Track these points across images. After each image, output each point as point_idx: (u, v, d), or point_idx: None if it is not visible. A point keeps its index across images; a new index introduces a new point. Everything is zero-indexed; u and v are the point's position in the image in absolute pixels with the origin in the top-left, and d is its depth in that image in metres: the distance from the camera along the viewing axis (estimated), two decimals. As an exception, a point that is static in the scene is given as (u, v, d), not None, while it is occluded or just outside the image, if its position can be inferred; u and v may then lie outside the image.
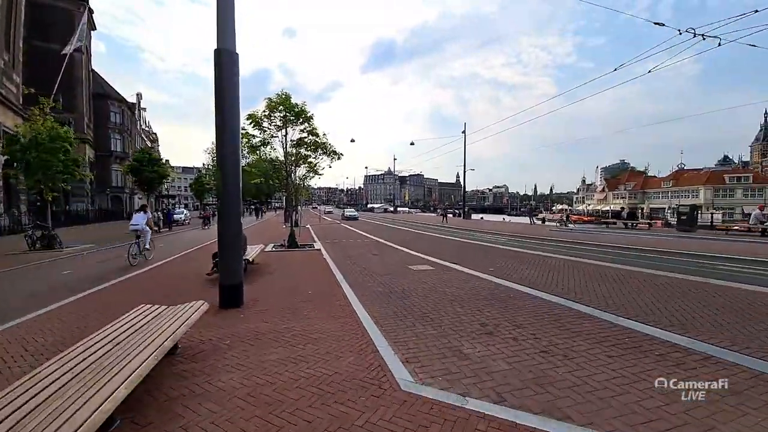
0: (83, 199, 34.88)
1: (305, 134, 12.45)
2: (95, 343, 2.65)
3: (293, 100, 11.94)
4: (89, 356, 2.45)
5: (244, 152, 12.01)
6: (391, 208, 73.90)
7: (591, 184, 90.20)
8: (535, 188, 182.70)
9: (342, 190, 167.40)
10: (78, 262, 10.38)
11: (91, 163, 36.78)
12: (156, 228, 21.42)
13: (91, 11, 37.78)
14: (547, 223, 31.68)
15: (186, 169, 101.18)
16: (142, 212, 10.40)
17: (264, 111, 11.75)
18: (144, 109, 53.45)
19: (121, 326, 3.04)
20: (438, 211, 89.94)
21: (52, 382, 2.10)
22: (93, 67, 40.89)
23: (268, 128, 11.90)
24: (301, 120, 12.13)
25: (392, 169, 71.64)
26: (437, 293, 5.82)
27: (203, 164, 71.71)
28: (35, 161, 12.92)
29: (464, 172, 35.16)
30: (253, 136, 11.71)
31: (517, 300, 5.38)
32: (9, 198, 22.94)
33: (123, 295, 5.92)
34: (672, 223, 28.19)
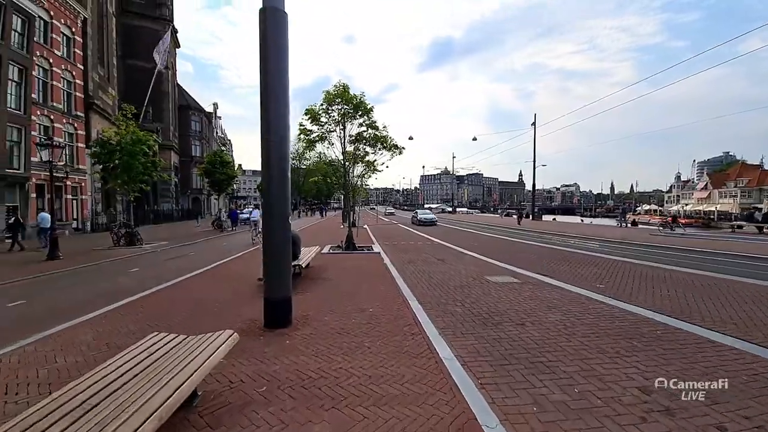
0: (169, 199, 38.84)
1: (364, 128, 11.53)
2: (65, 403, 1.75)
3: (352, 92, 11.10)
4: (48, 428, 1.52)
5: (299, 148, 11.50)
6: (449, 209, 71.04)
7: (687, 181, 77.43)
8: (612, 186, 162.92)
9: (398, 191, 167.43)
10: (148, 260, 10.65)
11: (175, 167, 40.93)
12: (225, 227, 22.55)
13: (175, 31, 42.01)
14: (640, 226, 27.08)
15: (256, 173, 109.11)
16: (257, 209, 15.50)
17: (322, 104, 11.07)
18: (219, 118, 58.29)
19: (117, 368, 2.14)
20: (499, 211, 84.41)
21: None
22: (178, 82, 45.51)
23: (327, 123, 11.18)
24: (360, 113, 11.22)
25: (450, 168, 68.93)
26: (540, 321, 4.28)
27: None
28: (120, 163, 13.90)
29: (534, 168, 31.78)
30: (311, 131, 11.08)
31: (677, 341, 3.62)
32: (108, 198, 26.04)
33: (171, 299, 5.41)
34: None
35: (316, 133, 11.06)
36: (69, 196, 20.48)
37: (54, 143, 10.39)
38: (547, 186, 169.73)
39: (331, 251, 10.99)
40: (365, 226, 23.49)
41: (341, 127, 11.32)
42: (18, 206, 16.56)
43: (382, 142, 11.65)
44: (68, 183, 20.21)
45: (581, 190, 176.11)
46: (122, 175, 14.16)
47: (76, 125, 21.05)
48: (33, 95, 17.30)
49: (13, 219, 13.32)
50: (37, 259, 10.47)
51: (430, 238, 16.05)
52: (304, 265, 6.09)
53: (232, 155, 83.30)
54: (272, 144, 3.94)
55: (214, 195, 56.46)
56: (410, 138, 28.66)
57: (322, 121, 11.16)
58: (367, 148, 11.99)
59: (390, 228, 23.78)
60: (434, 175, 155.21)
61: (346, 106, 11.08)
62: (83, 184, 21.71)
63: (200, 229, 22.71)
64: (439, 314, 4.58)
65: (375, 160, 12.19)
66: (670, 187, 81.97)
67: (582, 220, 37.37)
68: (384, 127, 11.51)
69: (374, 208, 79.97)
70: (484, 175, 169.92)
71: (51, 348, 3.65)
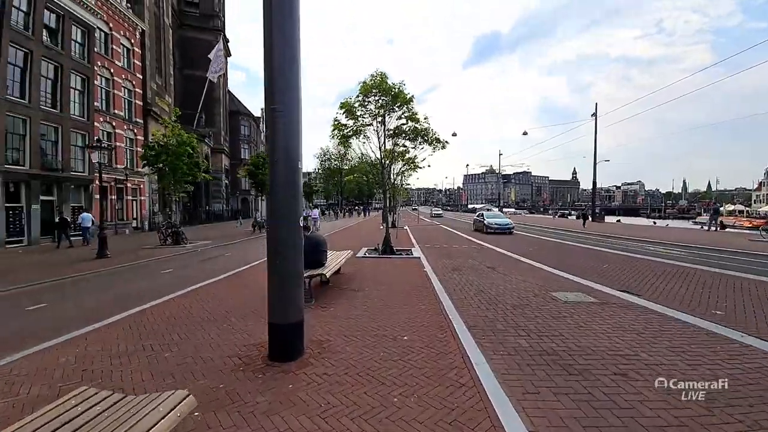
0: (220, 200, 40.91)
1: (403, 120, 10.53)
2: None
3: (390, 82, 10.16)
4: None
5: (340, 149, 10.80)
6: (495, 209, 67.56)
7: (783, 177, 66.00)
8: (685, 184, 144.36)
9: (440, 191, 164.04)
10: (185, 260, 10.56)
11: (226, 170, 43.07)
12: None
13: (226, 40, 44.26)
14: (727, 229, 22.99)
15: (305, 175, 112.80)
16: (317, 209, 19.38)
17: (357, 96, 10.24)
18: (266, 122, 60.64)
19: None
20: (551, 212, 78.39)
21: None
22: (229, 89, 47.97)
23: (362, 116, 10.33)
24: (398, 104, 10.24)
25: (497, 166, 65.43)
26: (653, 370, 2.93)
27: (314, 168, 78.43)
28: (166, 165, 14.28)
29: (594, 163, 28.46)
30: (345, 126, 10.30)
31: None
32: (164, 199, 27.79)
33: (184, 309, 4.81)
34: None
35: (351, 128, 10.24)
36: (129, 197, 21.94)
37: (102, 145, 10.69)
38: (605, 184, 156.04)
39: (366, 255, 10.12)
40: (405, 228, 22.47)
41: (379, 121, 10.42)
42: (83, 206, 17.89)
43: (422, 135, 10.57)
44: (128, 185, 21.64)
45: (646, 189, 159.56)
46: (169, 176, 14.57)
47: (135, 131, 22.51)
48: (96, 103, 18.64)
49: (58, 218, 14.24)
50: (87, 257, 10.85)
51: (476, 241, 14.59)
52: (329, 274, 5.21)
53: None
54: (279, 123, 3.07)
55: (261, 196, 59.01)
56: (454, 134, 27.01)
57: (357, 115, 10.34)
58: (407, 143, 11.00)
59: (432, 230, 22.50)
60: (478, 174, 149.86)
61: (383, 98, 10.17)
62: (142, 186, 23.19)
63: (242, 230, 23.18)
64: (496, 349, 3.41)
65: (415, 156, 11.17)
66: (760, 183, 70.53)
67: (654, 222, 32.84)
68: (425, 118, 10.44)
69: (416, 209, 78.24)
70: (532, 174, 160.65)
71: (26, 372, 3.09)
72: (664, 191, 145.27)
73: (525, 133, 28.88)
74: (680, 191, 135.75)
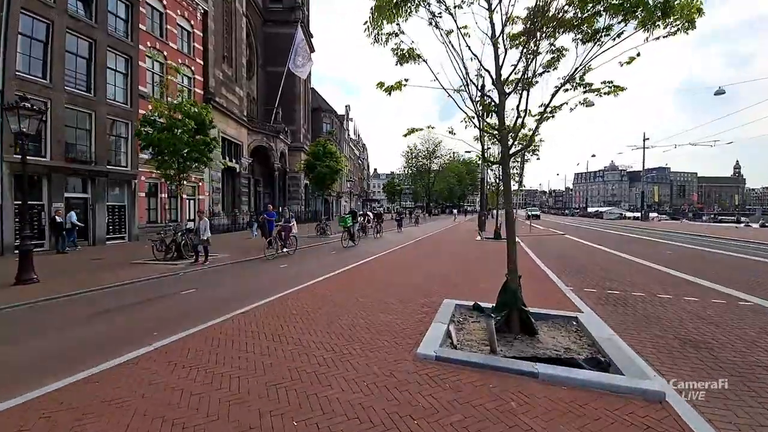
0: (299, 201, 38.90)
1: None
2: None
3: None
4: None
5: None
6: (628, 213, 52.04)
7: None
8: None
9: (544, 192, 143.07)
10: (119, 298, 5.70)
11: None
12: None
13: (310, 35, 42.47)
14: None
15: (388, 175, 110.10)
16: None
17: None
18: (351, 119, 58.36)
19: None
20: (704, 218, 57.25)
21: None
22: (312, 86, 46.44)
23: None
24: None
25: (617, 163, 50.38)
26: None
27: (402, 166, 73.28)
28: (165, 143, 10.22)
29: None
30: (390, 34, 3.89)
31: None
32: (233, 200, 25.81)
33: None
34: None
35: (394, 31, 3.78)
36: (184, 196, 19.64)
37: (24, 106, 6.66)
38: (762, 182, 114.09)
39: (450, 341, 3.60)
40: (516, 238, 14.88)
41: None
42: (125, 205, 15.65)
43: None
44: (184, 182, 19.33)
45: None
46: (170, 163, 10.58)
47: (194, 123, 20.25)
48: (145, 89, 16.35)
49: (50, 218, 11.30)
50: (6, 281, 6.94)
51: (673, 272, 6.52)
52: None
53: (367, 156, 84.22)
54: None
55: (344, 197, 56.45)
56: (575, 108, 18.07)
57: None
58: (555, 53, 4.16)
59: (571, 247, 14.35)
60: (595, 171, 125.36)
61: None
62: (201, 184, 20.90)
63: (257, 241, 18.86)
64: None
65: (587, 69, 4.17)
66: None
67: None
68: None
69: (537, 214, 52.62)
70: (671, 170, 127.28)
71: None
72: None
73: (721, 92, 17.86)
74: None
